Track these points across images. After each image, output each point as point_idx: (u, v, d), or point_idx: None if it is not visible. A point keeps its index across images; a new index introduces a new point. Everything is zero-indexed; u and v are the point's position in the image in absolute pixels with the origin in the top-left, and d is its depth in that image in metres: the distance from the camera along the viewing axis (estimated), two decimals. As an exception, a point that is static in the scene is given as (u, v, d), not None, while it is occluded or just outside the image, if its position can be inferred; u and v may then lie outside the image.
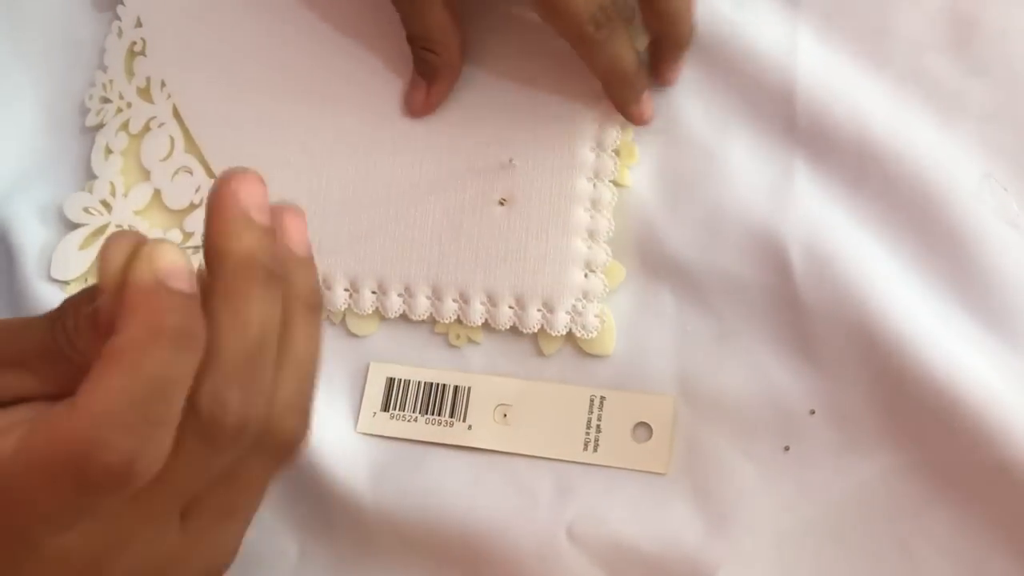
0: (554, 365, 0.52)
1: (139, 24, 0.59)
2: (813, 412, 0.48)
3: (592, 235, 0.51)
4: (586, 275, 0.50)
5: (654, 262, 0.52)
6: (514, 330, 0.51)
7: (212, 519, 0.37)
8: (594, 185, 0.51)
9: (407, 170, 0.53)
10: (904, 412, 0.47)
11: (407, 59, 0.54)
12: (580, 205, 0.51)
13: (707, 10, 0.52)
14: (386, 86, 0.55)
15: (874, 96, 0.50)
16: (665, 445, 0.49)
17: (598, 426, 0.50)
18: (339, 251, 0.53)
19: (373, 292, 0.52)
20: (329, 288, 0.52)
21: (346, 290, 0.53)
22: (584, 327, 0.50)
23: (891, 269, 0.49)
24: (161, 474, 0.32)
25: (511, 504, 0.50)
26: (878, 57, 0.51)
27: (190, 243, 0.52)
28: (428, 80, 0.53)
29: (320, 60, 0.56)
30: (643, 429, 0.50)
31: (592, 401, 0.51)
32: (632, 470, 0.49)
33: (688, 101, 0.53)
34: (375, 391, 0.53)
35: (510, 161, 0.51)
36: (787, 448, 0.48)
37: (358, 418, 0.53)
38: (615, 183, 0.53)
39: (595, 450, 0.50)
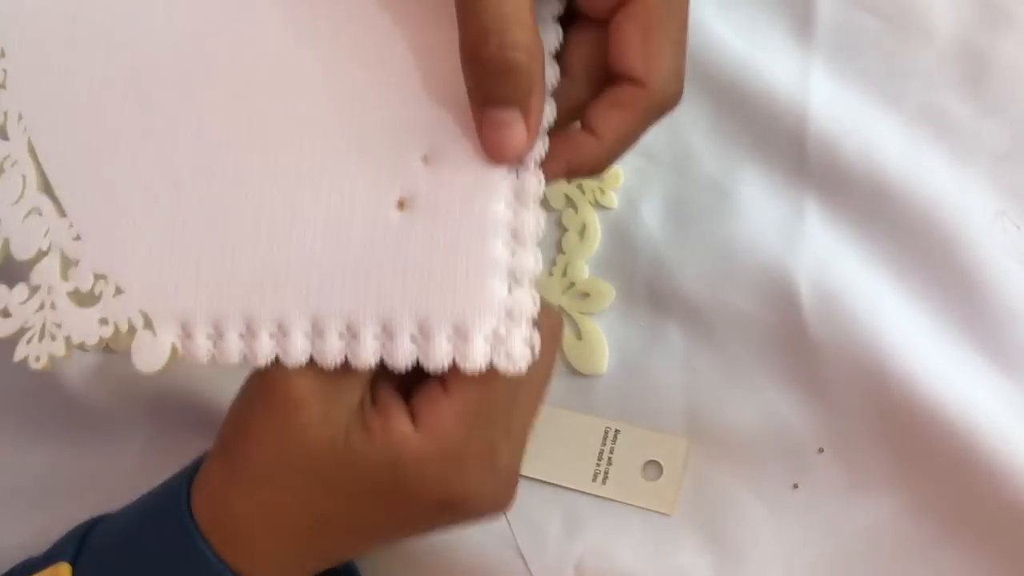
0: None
1: (2, 55, 0.50)
2: (822, 450, 0.48)
3: (516, 235, 0.39)
4: (510, 289, 0.39)
5: (662, 296, 0.51)
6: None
7: None
8: (516, 175, 0.39)
9: (279, 171, 0.42)
10: (914, 451, 0.47)
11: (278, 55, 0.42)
12: (499, 198, 0.39)
13: (719, 46, 0.52)
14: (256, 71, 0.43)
15: (886, 133, 0.50)
16: (674, 486, 0.49)
17: (609, 459, 0.50)
18: (200, 287, 0.42)
19: (241, 336, 0.41)
20: (190, 336, 0.41)
21: (209, 337, 0.41)
22: (509, 356, 0.38)
23: (901, 307, 0.48)
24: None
25: (520, 538, 0.50)
26: (891, 94, 0.51)
27: (35, 298, 0.44)
28: (520, 100, 0.37)
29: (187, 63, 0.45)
30: (654, 467, 0.50)
31: (607, 433, 0.51)
32: (639, 507, 0.49)
33: (699, 136, 0.53)
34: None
35: (423, 159, 0.40)
36: (796, 486, 0.48)
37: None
38: (600, 205, 0.53)
39: (604, 482, 0.50)
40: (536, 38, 0.37)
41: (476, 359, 0.38)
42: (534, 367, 0.38)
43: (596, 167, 0.40)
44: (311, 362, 0.39)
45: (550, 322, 0.40)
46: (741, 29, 0.52)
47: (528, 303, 0.39)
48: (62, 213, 0.45)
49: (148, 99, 0.44)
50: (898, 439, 0.47)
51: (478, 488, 0.39)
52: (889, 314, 0.48)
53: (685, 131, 0.53)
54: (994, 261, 0.48)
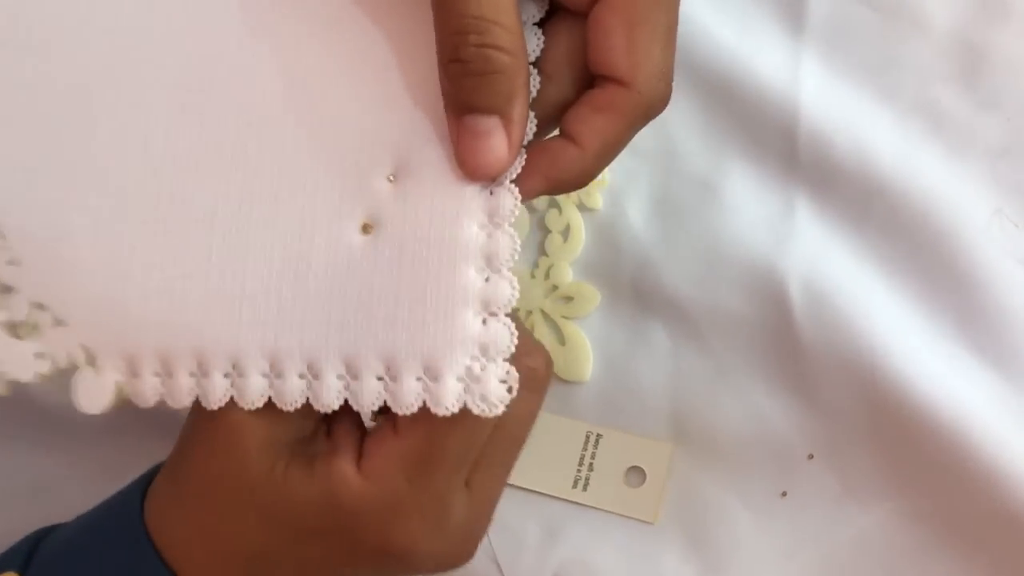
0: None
1: None
2: (812, 456, 0.48)
3: (490, 260, 0.36)
4: (484, 321, 0.36)
5: (647, 296, 0.51)
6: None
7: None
8: (491, 192, 0.36)
9: (231, 191, 0.38)
10: (907, 457, 0.46)
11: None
12: (472, 219, 0.36)
13: (707, 38, 0.51)
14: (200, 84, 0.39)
15: (880, 128, 0.49)
16: (657, 493, 0.48)
17: (591, 464, 0.49)
18: (147, 322, 0.38)
19: (192, 374, 0.38)
20: (136, 375, 0.39)
21: (157, 375, 0.38)
22: (484, 398, 0.35)
23: (895, 308, 0.48)
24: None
25: (496, 545, 0.49)
26: (884, 88, 0.50)
27: None
28: (501, 108, 0.34)
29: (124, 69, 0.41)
30: (636, 473, 0.49)
31: (588, 438, 0.50)
32: (621, 515, 0.48)
33: (685, 130, 0.52)
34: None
35: (390, 177, 0.37)
36: (784, 494, 0.48)
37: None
38: (585, 206, 0.51)
39: (585, 489, 0.49)
40: (520, 39, 0.34)
41: (447, 401, 0.35)
42: (512, 416, 0.35)
43: (579, 180, 0.37)
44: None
45: (537, 363, 0.37)
46: (729, 18, 0.51)
47: (505, 337, 0.35)
48: None
49: (91, 110, 0.40)
50: (891, 444, 0.47)
51: (421, 544, 0.37)
52: (882, 315, 0.47)
53: (670, 125, 0.52)
54: (991, 260, 0.47)
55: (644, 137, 0.51)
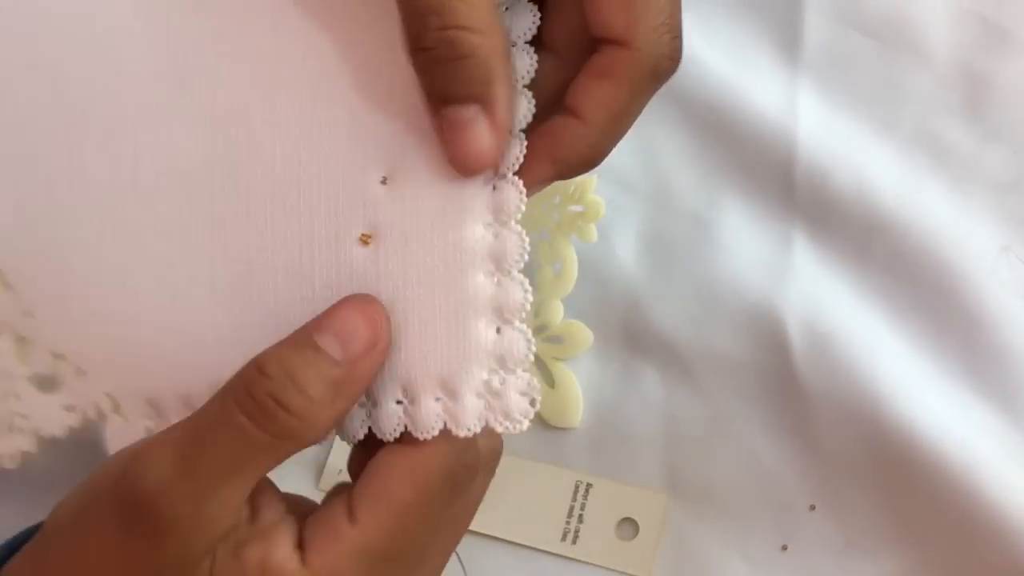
0: (514, 437, 0.49)
1: None
2: (813, 507, 0.46)
3: (499, 263, 0.33)
4: (499, 330, 0.33)
5: (639, 338, 0.49)
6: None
7: None
8: (493, 187, 0.34)
9: (230, 219, 0.36)
10: (913, 508, 0.45)
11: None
12: (476, 218, 0.34)
13: (699, 68, 0.50)
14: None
15: (880, 162, 0.48)
16: (651, 546, 0.47)
17: (580, 516, 0.48)
18: (164, 363, 0.37)
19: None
20: (162, 414, 0.37)
21: (179, 415, 0.36)
22: (507, 415, 0.33)
23: (898, 349, 0.47)
24: None
25: (481, 604, 0.47)
26: (884, 120, 0.49)
27: None
28: (478, 93, 0.32)
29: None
30: (629, 525, 0.48)
31: (577, 488, 0.48)
32: (612, 570, 0.47)
33: (678, 164, 0.51)
34: (345, 447, 0.49)
35: (383, 180, 0.34)
36: (785, 547, 0.46)
37: (322, 473, 0.50)
38: (579, 238, 0.50)
39: (574, 542, 0.48)
40: (488, 14, 0.31)
41: (469, 421, 0.32)
42: (467, 497, 0.33)
43: (588, 160, 0.34)
44: (187, 458, 0.32)
45: (496, 443, 0.34)
46: (723, 49, 0.51)
47: (522, 345, 0.33)
48: (6, 286, 0.39)
49: (78, 145, 0.37)
50: (896, 493, 0.45)
51: None
52: (885, 357, 0.46)
53: (663, 158, 0.51)
54: (999, 300, 0.46)
55: (633, 170, 0.51)
